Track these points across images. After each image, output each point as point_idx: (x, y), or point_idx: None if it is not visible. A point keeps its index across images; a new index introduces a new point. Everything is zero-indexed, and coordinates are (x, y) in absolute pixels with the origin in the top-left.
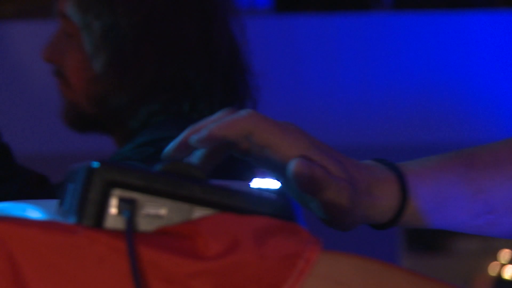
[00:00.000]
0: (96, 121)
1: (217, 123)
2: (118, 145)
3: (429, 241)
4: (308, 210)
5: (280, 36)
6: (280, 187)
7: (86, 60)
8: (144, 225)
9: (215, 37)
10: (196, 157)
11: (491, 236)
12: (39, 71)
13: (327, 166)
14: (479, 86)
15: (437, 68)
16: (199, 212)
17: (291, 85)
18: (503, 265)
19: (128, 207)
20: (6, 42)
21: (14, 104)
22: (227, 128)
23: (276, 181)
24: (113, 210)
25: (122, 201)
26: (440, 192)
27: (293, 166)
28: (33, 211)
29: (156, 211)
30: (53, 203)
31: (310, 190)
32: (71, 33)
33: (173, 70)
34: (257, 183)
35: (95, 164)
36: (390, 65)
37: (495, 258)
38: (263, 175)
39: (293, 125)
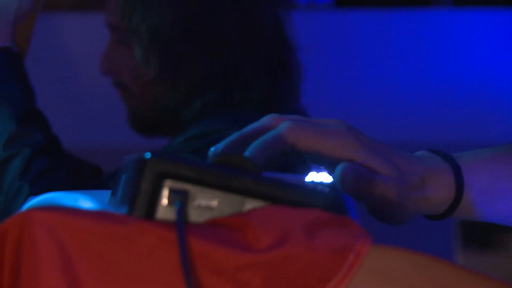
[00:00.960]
0: (158, 123)
1: (258, 145)
2: (171, 137)
3: (485, 237)
4: (360, 204)
5: (339, 32)
6: (333, 181)
7: (140, 66)
8: (195, 216)
9: (258, 23)
10: (254, 147)
11: None
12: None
13: (374, 165)
14: None
15: (498, 66)
16: (250, 204)
17: (349, 80)
18: None
19: (180, 198)
20: (64, 34)
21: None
22: (269, 148)
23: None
24: (164, 201)
25: (174, 192)
26: (495, 184)
27: (338, 172)
28: (85, 201)
29: (208, 203)
30: (106, 193)
31: (357, 194)
32: (121, 41)
33: (220, 60)
34: (311, 176)
35: (148, 155)
36: (449, 63)
37: None
38: (318, 169)
39: (338, 124)
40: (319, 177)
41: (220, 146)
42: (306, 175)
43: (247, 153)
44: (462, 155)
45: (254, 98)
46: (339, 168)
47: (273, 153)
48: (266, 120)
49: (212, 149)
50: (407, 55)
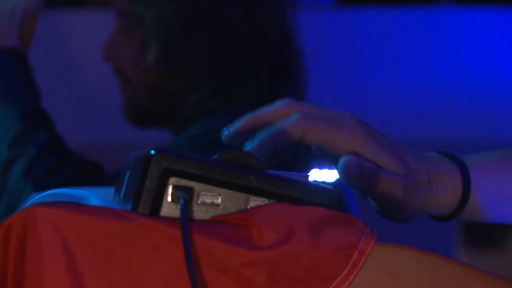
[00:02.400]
0: (154, 114)
1: (264, 137)
2: (173, 135)
3: (487, 237)
4: (366, 201)
5: (340, 31)
6: (337, 179)
7: (140, 53)
8: (199, 213)
9: (262, 21)
10: (259, 137)
11: None
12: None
13: (381, 160)
14: None
15: (502, 65)
16: (254, 202)
17: (351, 79)
18: None
19: (184, 196)
20: (62, 30)
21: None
22: (278, 137)
23: (334, 172)
24: (169, 198)
25: (178, 189)
26: (502, 186)
27: (341, 164)
28: (89, 198)
29: (212, 200)
30: (110, 190)
31: (360, 187)
32: (125, 28)
33: (221, 55)
34: (315, 174)
35: (153, 152)
36: (453, 62)
37: None
38: (321, 166)
39: (350, 118)
40: (322, 174)
41: (232, 127)
42: (309, 172)
43: (254, 143)
44: (469, 157)
45: (253, 96)
46: (342, 160)
47: (279, 145)
48: (279, 104)
49: (225, 131)
50: (410, 54)
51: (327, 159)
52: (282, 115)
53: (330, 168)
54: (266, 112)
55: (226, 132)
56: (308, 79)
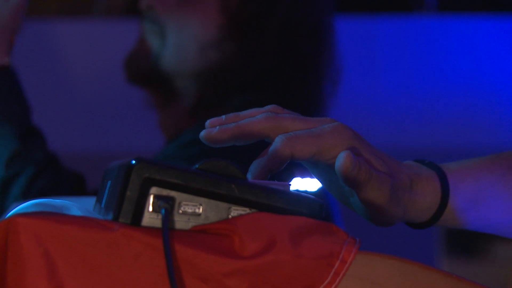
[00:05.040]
0: (172, 86)
1: (258, 166)
2: (165, 135)
3: (468, 245)
4: (348, 208)
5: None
6: (319, 189)
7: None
8: (181, 223)
9: (325, 54)
10: (254, 167)
11: None
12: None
13: (367, 161)
14: None
15: (482, 72)
16: (236, 211)
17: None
18: None
19: (165, 205)
20: (49, 40)
21: (55, 102)
22: (272, 163)
23: (316, 181)
24: (150, 208)
25: (160, 199)
26: (480, 192)
27: (341, 158)
28: (70, 208)
29: (193, 210)
30: (91, 200)
31: (355, 182)
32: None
33: (276, 61)
34: (296, 183)
35: (134, 162)
36: (434, 69)
37: None
38: (302, 175)
39: (331, 122)
40: (304, 183)
41: (213, 131)
42: (291, 181)
43: (252, 173)
44: (448, 164)
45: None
46: (341, 155)
47: (273, 169)
48: (262, 117)
49: (206, 130)
50: (389, 60)
51: (318, 169)
52: (266, 128)
53: (312, 177)
54: (249, 124)
55: (206, 132)
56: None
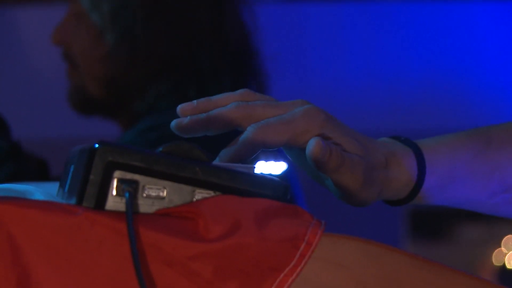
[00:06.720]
0: (102, 104)
1: (228, 154)
2: (123, 130)
3: (433, 227)
4: (323, 187)
5: (287, 24)
6: (283, 171)
7: (95, 40)
8: (145, 207)
9: (227, 22)
10: (224, 155)
11: (508, 216)
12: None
13: (341, 143)
14: (487, 80)
15: (445, 58)
16: (200, 194)
17: (298, 73)
18: (506, 253)
19: (129, 189)
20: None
21: (18, 89)
22: (245, 152)
23: (283, 163)
24: (114, 191)
25: (123, 183)
26: (456, 169)
27: (311, 146)
28: (33, 193)
29: (157, 193)
30: (54, 185)
31: (326, 168)
32: (80, 14)
33: (183, 52)
34: (260, 166)
35: (97, 145)
36: (396, 55)
37: (500, 246)
38: (267, 158)
39: (303, 104)
40: (268, 166)
41: (185, 120)
42: (255, 164)
43: (217, 161)
44: (423, 141)
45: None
46: (312, 141)
47: (244, 158)
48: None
49: (177, 120)
50: (355, 47)
51: (292, 152)
52: (237, 118)
53: (277, 160)
54: (220, 114)
55: (177, 122)
56: (268, 80)
